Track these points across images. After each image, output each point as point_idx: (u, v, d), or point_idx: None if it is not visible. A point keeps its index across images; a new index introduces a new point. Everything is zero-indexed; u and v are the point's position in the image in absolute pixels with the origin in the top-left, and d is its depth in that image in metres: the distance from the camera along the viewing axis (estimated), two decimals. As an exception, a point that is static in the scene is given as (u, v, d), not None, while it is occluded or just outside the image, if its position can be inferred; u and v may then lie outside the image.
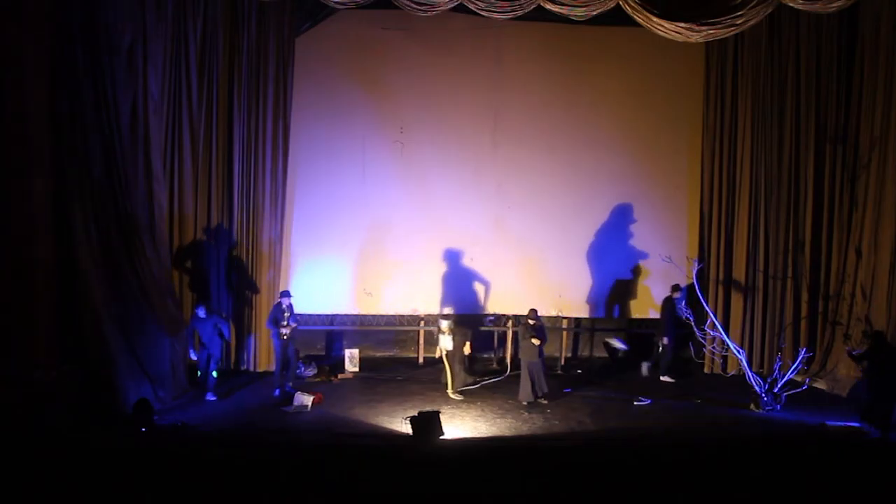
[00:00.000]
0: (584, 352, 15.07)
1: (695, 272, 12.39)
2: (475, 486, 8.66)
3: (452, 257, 14.14)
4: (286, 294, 12.18)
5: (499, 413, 11.49)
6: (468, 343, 12.73)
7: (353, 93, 13.79)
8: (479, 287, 14.25)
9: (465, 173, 14.13)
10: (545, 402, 11.75)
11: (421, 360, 14.24)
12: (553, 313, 14.36)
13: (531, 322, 11.83)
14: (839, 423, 10.99)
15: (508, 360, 14.16)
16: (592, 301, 14.44)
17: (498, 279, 14.23)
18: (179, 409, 11.11)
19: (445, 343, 12.26)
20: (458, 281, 14.15)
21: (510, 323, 14.40)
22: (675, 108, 14.39)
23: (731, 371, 13.04)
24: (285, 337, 11.91)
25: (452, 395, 12.10)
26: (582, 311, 14.58)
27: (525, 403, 11.68)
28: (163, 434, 10.08)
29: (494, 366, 13.98)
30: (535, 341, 11.68)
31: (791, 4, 11.25)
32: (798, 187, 13.60)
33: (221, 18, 12.61)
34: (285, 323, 11.90)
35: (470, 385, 12.64)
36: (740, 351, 12.23)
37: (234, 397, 11.85)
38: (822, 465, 9.69)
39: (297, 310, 13.86)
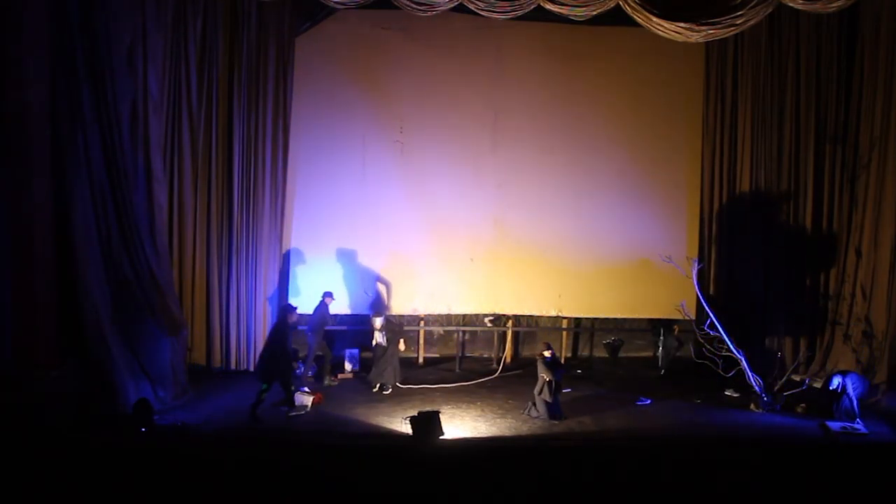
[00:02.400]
0: (584, 352, 15.06)
1: (695, 272, 12.39)
2: (475, 486, 8.66)
3: (452, 257, 14.14)
4: (330, 294, 12.73)
5: (499, 413, 11.49)
6: (402, 341, 12.83)
7: (353, 93, 13.79)
8: (478, 287, 14.25)
9: (465, 173, 14.12)
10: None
11: (421, 360, 14.24)
12: (553, 313, 14.38)
13: (546, 354, 11.49)
14: (838, 424, 11.03)
15: (508, 360, 14.17)
16: (592, 301, 14.42)
17: (498, 279, 14.23)
18: (179, 409, 11.11)
19: (379, 339, 12.53)
20: (458, 281, 14.15)
21: (510, 323, 14.41)
22: (675, 108, 14.38)
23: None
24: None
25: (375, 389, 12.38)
26: (582, 311, 14.58)
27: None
28: (163, 434, 10.08)
29: (494, 365, 13.96)
30: (546, 376, 11.27)
31: (791, 4, 11.25)
32: (798, 187, 13.59)
33: (221, 18, 12.60)
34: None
35: (385, 389, 12.45)
36: (740, 351, 12.22)
37: (235, 397, 11.84)
38: (822, 465, 9.71)
39: (299, 310, 13.90)
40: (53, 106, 10.16)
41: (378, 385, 12.41)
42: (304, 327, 12.86)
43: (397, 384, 12.51)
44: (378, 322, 12.62)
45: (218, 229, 12.93)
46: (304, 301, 13.81)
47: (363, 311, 13.89)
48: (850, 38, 13.10)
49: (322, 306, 12.72)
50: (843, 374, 11.35)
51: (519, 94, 14.14)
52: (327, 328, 12.96)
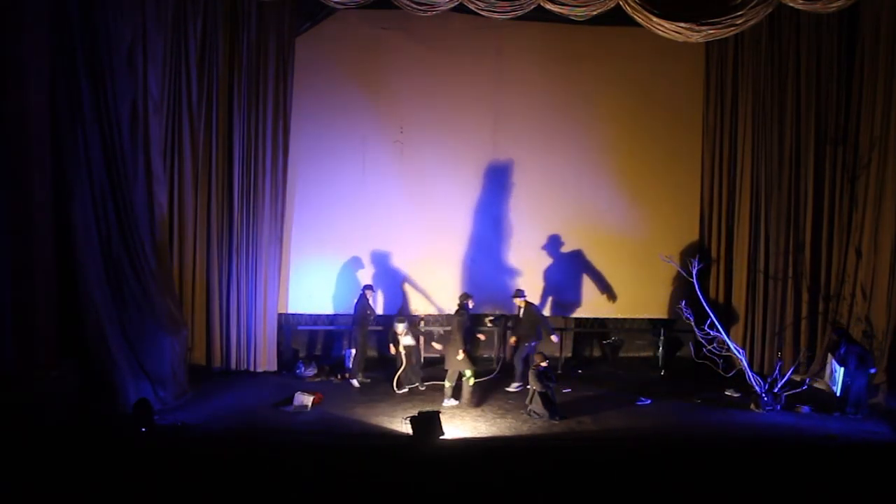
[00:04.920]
0: (584, 352, 15.05)
1: (695, 272, 12.39)
2: (475, 486, 8.66)
3: (452, 257, 14.14)
4: (370, 287, 13.06)
5: (499, 413, 11.49)
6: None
7: (353, 93, 13.79)
8: (478, 287, 14.22)
9: (466, 173, 14.13)
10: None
11: (421, 359, 14.22)
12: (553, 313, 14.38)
13: (543, 364, 11.43)
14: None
15: (508, 360, 14.17)
16: (592, 301, 14.43)
17: (498, 279, 14.23)
18: (179, 409, 11.11)
19: (407, 341, 12.46)
20: (458, 281, 14.14)
21: (510, 323, 14.39)
22: (675, 108, 14.37)
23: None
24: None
25: (399, 390, 12.27)
26: (582, 311, 14.57)
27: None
28: (163, 434, 10.08)
29: (494, 365, 13.95)
30: (535, 387, 11.25)
31: (791, 4, 11.25)
32: (798, 187, 13.58)
33: (221, 18, 12.60)
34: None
35: (415, 385, 12.57)
36: (740, 351, 12.23)
37: (234, 397, 11.85)
38: (822, 465, 9.70)
39: (298, 310, 13.97)
40: (53, 106, 10.16)
41: (407, 387, 12.39)
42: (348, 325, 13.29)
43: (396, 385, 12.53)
44: (401, 328, 12.46)
45: (218, 229, 12.92)
46: (302, 301, 13.86)
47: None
48: (850, 38, 13.09)
49: (362, 299, 12.82)
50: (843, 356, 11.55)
51: (519, 93, 14.13)
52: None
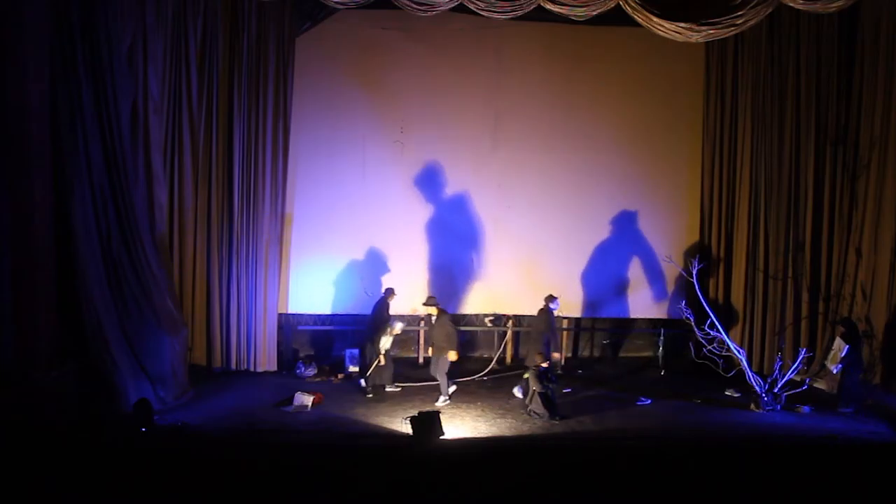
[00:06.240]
0: (584, 352, 15.07)
1: (695, 272, 12.40)
2: (475, 486, 8.67)
3: (452, 257, 14.15)
4: (392, 291, 12.68)
5: (499, 413, 11.49)
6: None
7: (354, 93, 13.80)
8: (478, 287, 14.25)
9: (465, 173, 14.14)
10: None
11: (421, 359, 14.24)
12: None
13: (543, 364, 11.43)
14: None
15: (508, 360, 14.18)
16: (592, 301, 14.44)
17: (498, 279, 14.24)
18: (179, 409, 11.11)
19: (387, 343, 12.12)
20: (459, 281, 14.15)
21: (510, 323, 14.41)
22: (675, 108, 14.39)
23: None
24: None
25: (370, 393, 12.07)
26: (582, 311, 14.58)
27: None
28: (163, 434, 10.08)
29: (494, 365, 13.96)
30: (535, 387, 11.23)
31: (791, 4, 11.24)
32: (798, 187, 13.59)
33: (221, 18, 12.61)
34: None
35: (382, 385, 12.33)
36: (740, 351, 12.23)
37: (235, 397, 11.85)
38: (822, 465, 9.71)
39: (299, 310, 13.96)
40: (53, 106, 10.16)
41: (382, 387, 12.21)
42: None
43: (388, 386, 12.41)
44: (399, 327, 12.27)
45: (218, 229, 12.92)
46: (302, 301, 13.86)
47: (364, 311, 13.87)
48: (850, 38, 13.09)
49: (382, 303, 12.62)
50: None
51: (519, 94, 14.15)
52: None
